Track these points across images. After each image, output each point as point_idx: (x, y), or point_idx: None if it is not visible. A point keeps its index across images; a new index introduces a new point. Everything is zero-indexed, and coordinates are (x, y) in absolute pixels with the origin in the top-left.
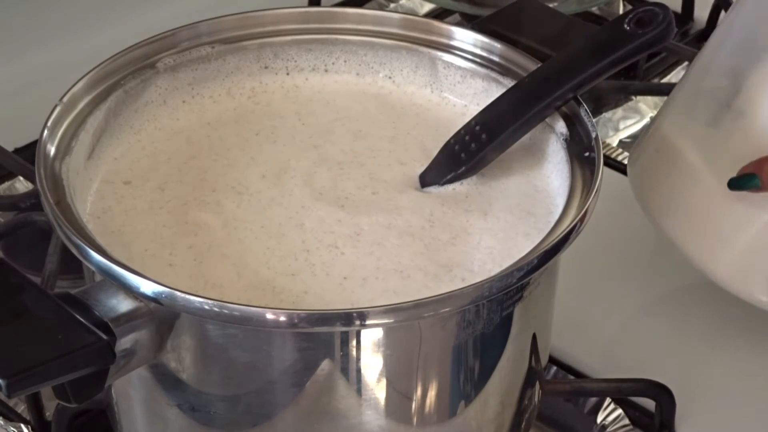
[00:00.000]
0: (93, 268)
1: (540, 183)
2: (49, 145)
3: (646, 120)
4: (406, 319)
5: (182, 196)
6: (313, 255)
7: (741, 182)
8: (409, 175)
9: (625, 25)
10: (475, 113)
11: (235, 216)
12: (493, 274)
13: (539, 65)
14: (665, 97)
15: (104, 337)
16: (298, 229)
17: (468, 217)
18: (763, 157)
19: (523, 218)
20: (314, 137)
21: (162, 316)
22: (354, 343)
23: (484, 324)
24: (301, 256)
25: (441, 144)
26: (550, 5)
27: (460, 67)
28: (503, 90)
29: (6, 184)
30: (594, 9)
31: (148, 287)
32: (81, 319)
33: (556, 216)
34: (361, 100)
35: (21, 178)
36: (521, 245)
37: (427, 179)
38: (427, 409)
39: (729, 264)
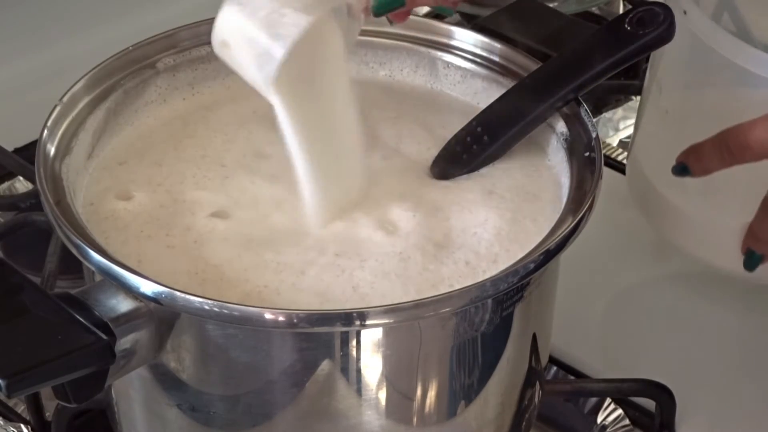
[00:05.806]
0: (93, 268)
1: (544, 171)
2: (49, 145)
3: None
4: (406, 319)
5: (181, 173)
6: (311, 235)
7: (677, 171)
8: (413, 153)
9: (626, 25)
10: (474, 107)
11: (233, 193)
12: (499, 257)
13: (539, 65)
14: None
15: (104, 337)
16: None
17: (472, 196)
18: (688, 147)
19: (529, 201)
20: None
21: (162, 316)
22: (354, 343)
23: (484, 324)
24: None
25: (444, 123)
26: (550, 5)
27: (460, 67)
28: (503, 90)
29: (6, 184)
30: (594, 9)
31: (147, 287)
32: (81, 319)
33: (561, 206)
34: (363, 86)
35: (21, 178)
36: (529, 230)
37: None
38: (427, 409)
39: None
